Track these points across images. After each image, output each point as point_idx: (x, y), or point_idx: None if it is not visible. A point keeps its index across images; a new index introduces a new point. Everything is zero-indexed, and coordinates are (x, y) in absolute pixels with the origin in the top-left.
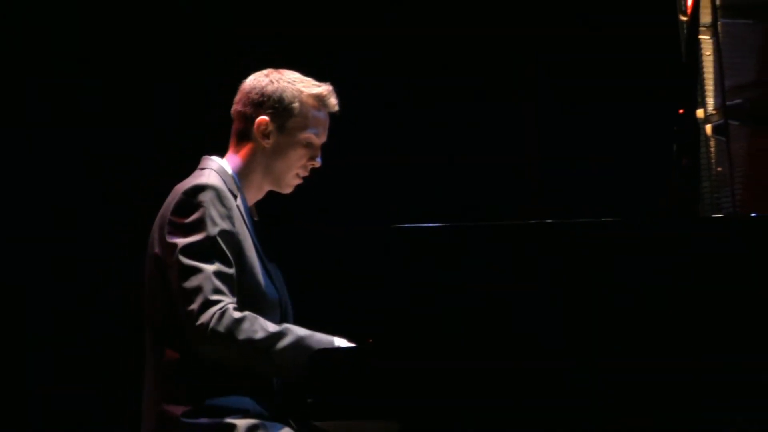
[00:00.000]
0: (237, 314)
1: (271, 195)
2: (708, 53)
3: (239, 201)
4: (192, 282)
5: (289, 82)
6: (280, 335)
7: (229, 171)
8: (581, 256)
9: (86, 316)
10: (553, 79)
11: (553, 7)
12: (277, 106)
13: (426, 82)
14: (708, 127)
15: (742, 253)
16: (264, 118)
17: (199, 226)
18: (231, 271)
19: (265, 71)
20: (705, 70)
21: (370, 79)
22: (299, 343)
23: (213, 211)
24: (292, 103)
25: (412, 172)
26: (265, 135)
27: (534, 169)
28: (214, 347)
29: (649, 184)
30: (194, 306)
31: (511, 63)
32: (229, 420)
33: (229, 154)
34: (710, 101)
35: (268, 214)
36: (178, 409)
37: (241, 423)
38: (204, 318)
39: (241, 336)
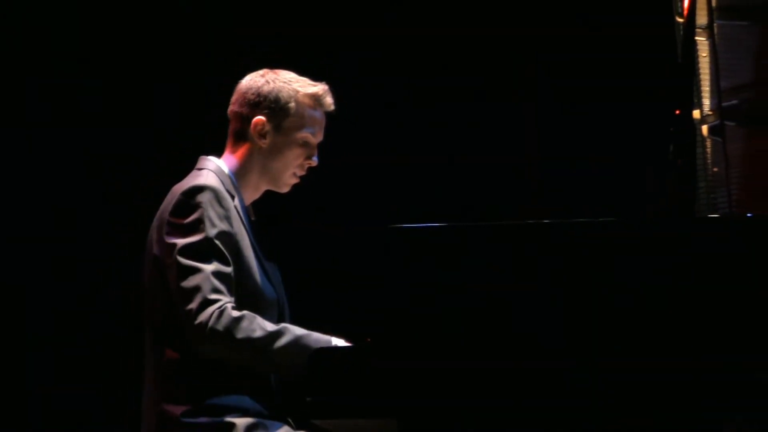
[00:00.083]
0: (236, 313)
1: (270, 195)
2: (704, 54)
3: (236, 201)
4: (191, 281)
5: (284, 82)
6: (278, 334)
7: (227, 171)
8: (580, 256)
9: (86, 316)
10: (553, 79)
11: (553, 7)
12: (273, 106)
13: (426, 82)
14: (704, 128)
15: (739, 253)
16: (260, 118)
17: (198, 227)
18: (229, 270)
19: (260, 71)
20: (701, 71)
21: (370, 79)
22: (297, 342)
23: (211, 212)
24: (288, 103)
25: (412, 172)
26: (262, 135)
27: (534, 169)
28: (213, 346)
29: (648, 185)
30: (193, 305)
31: (511, 63)
32: (228, 419)
33: (226, 155)
34: (706, 102)
35: (267, 214)
36: (177, 409)
37: (241, 422)
38: (203, 317)
39: (240, 335)
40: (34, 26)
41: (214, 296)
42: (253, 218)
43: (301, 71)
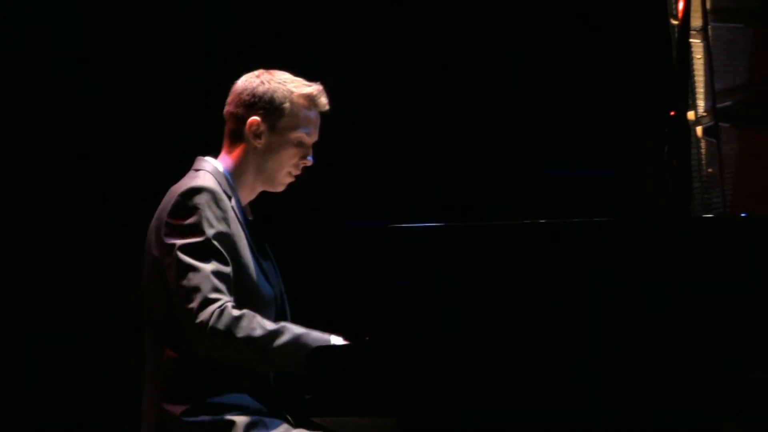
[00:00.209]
0: (236, 312)
1: (270, 195)
2: (699, 56)
3: (233, 202)
4: (191, 281)
5: (279, 83)
6: (278, 333)
7: (223, 171)
8: (578, 256)
9: (86, 316)
10: (553, 79)
11: (553, 7)
12: (268, 106)
13: (426, 82)
14: (699, 129)
15: (734, 253)
16: (255, 118)
17: (196, 228)
18: (228, 270)
19: (256, 72)
20: (696, 72)
21: (370, 79)
22: (297, 341)
23: (209, 213)
24: (282, 103)
25: (412, 172)
26: (257, 135)
27: (534, 169)
28: (214, 345)
29: (645, 185)
30: (193, 305)
31: (511, 63)
32: (228, 417)
33: (223, 155)
34: (701, 103)
35: (266, 213)
36: (178, 408)
37: (240, 420)
38: (203, 316)
39: (240, 333)
40: (35, 26)
41: (214, 295)
42: (250, 218)
43: (301, 71)
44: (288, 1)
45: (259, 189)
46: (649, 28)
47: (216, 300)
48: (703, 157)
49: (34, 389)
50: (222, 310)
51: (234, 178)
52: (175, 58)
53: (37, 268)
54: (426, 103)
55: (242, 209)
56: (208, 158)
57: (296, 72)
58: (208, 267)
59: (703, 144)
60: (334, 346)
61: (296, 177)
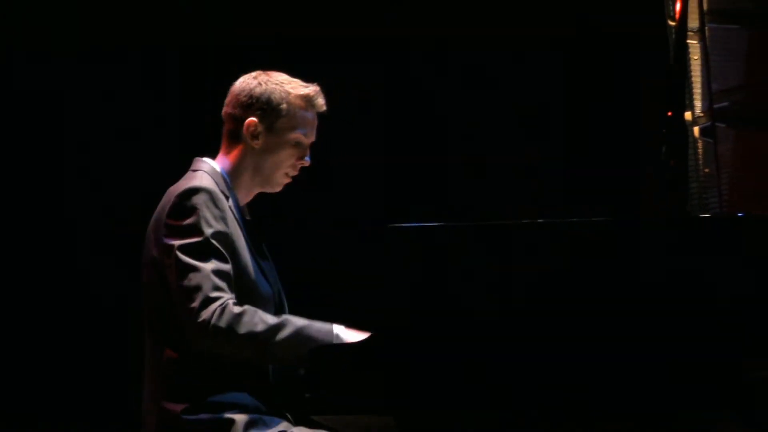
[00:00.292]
0: (237, 309)
1: (270, 194)
2: (696, 57)
3: (231, 202)
4: (191, 281)
5: (276, 84)
6: (280, 326)
7: (221, 172)
8: (577, 256)
9: (86, 316)
10: (553, 79)
11: (553, 7)
12: (265, 107)
13: (426, 82)
14: (696, 129)
15: (729, 252)
16: (253, 119)
17: (195, 228)
18: (228, 268)
19: (253, 73)
20: (693, 73)
21: (370, 79)
22: (299, 333)
23: (207, 213)
24: (280, 104)
25: (412, 172)
26: (255, 136)
27: (534, 169)
28: (217, 342)
29: (645, 185)
30: (195, 304)
31: (510, 63)
32: (228, 415)
33: (221, 156)
34: (698, 104)
35: (265, 213)
36: (178, 407)
37: (240, 418)
38: (205, 315)
39: (242, 330)
40: (35, 26)
41: (215, 294)
42: (248, 218)
43: (301, 71)
44: (288, 1)
45: (257, 189)
46: (647, 29)
47: (217, 298)
48: (700, 157)
49: (34, 389)
50: (223, 308)
51: (232, 178)
52: (175, 58)
53: (37, 268)
54: (426, 103)
55: (240, 209)
56: (205, 159)
57: (297, 73)
58: (208, 266)
59: (700, 144)
60: (335, 345)
61: (293, 177)
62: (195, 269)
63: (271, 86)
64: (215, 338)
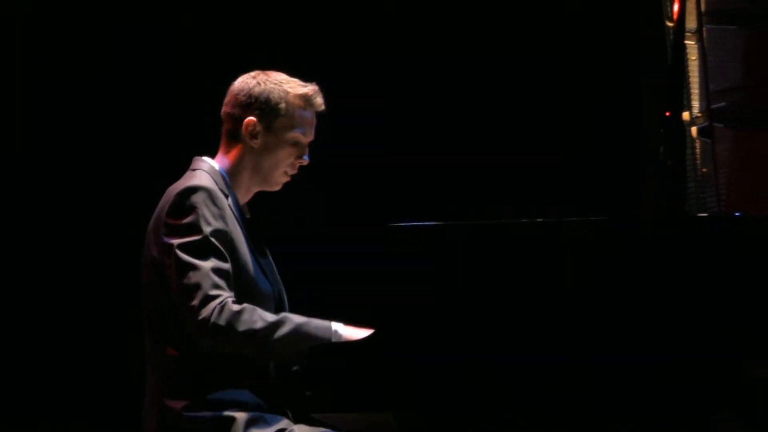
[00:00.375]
0: (236, 307)
1: (270, 194)
2: (693, 58)
3: (230, 200)
4: (191, 279)
5: (275, 84)
6: (279, 324)
7: (220, 171)
8: (576, 255)
9: (86, 316)
10: (553, 79)
11: (553, 7)
12: (264, 107)
13: (426, 82)
14: (693, 129)
15: (727, 252)
16: (252, 118)
17: (194, 226)
18: (227, 266)
19: (252, 73)
20: (690, 74)
21: (370, 79)
22: (298, 331)
23: (206, 212)
24: (278, 103)
25: (412, 171)
26: (253, 135)
27: (534, 168)
28: (216, 340)
29: (644, 185)
30: (195, 302)
31: (510, 62)
32: (228, 413)
33: (220, 155)
34: (695, 104)
35: (264, 212)
36: (178, 404)
37: (240, 415)
38: (205, 313)
39: (242, 327)
40: (35, 26)
41: (214, 292)
42: (248, 216)
43: (301, 71)
44: (288, 2)
45: (256, 188)
46: (647, 29)
47: (216, 296)
48: (698, 157)
49: (34, 389)
50: (223, 306)
51: (231, 177)
52: (175, 58)
53: (37, 267)
54: (426, 103)
55: (239, 208)
56: (205, 158)
57: (297, 73)
58: (208, 264)
59: (697, 144)
60: (335, 344)
61: (292, 176)
62: (194, 268)
63: (269, 86)
64: (215, 336)
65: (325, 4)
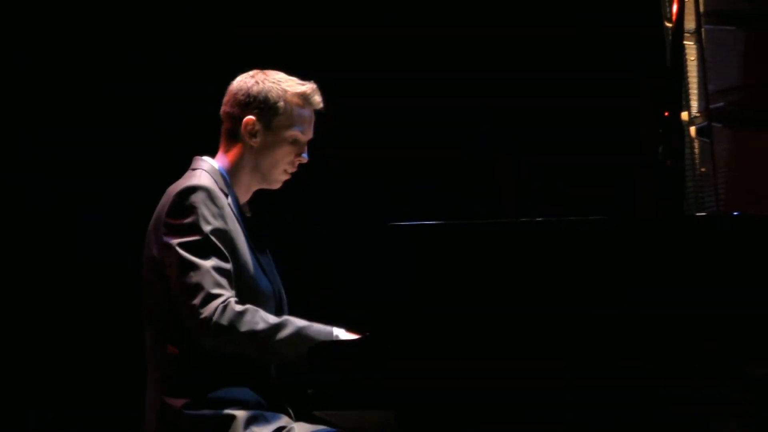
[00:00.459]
0: (239, 307)
1: (269, 194)
2: (692, 58)
3: (230, 200)
4: (192, 278)
5: (273, 83)
6: (280, 326)
7: (220, 170)
8: (575, 255)
9: (86, 315)
10: (552, 79)
11: (551, 7)
12: (262, 105)
13: (426, 82)
14: (692, 129)
15: (725, 250)
16: (251, 117)
17: (194, 226)
18: (228, 265)
19: (250, 72)
20: (689, 74)
21: (370, 79)
22: (299, 334)
23: (205, 211)
24: (277, 102)
25: (412, 171)
26: (253, 134)
27: (534, 168)
28: (218, 340)
29: (644, 184)
30: (196, 301)
31: (510, 62)
32: (229, 411)
33: (220, 154)
34: (694, 104)
35: (263, 212)
36: (179, 402)
37: (241, 414)
38: (207, 312)
39: (244, 328)
40: (35, 26)
41: (216, 291)
42: (248, 215)
43: (301, 71)
44: (288, 1)
45: (256, 187)
46: (647, 29)
47: (218, 295)
48: (697, 156)
49: (33, 389)
50: (225, 306)
51: (231, 176)
52: (175, 58)
53: (37, 267)
54: (426, 103)
55: (239, 207)
56: (205, 157)
57: (297, 72)
58: (208, 263)
59: (696, 144)
60: (336, 342)
61: (292, 174)
62: (195, 267)
63: (268, 85)
64: (216, 336)
65: (326, 4)
